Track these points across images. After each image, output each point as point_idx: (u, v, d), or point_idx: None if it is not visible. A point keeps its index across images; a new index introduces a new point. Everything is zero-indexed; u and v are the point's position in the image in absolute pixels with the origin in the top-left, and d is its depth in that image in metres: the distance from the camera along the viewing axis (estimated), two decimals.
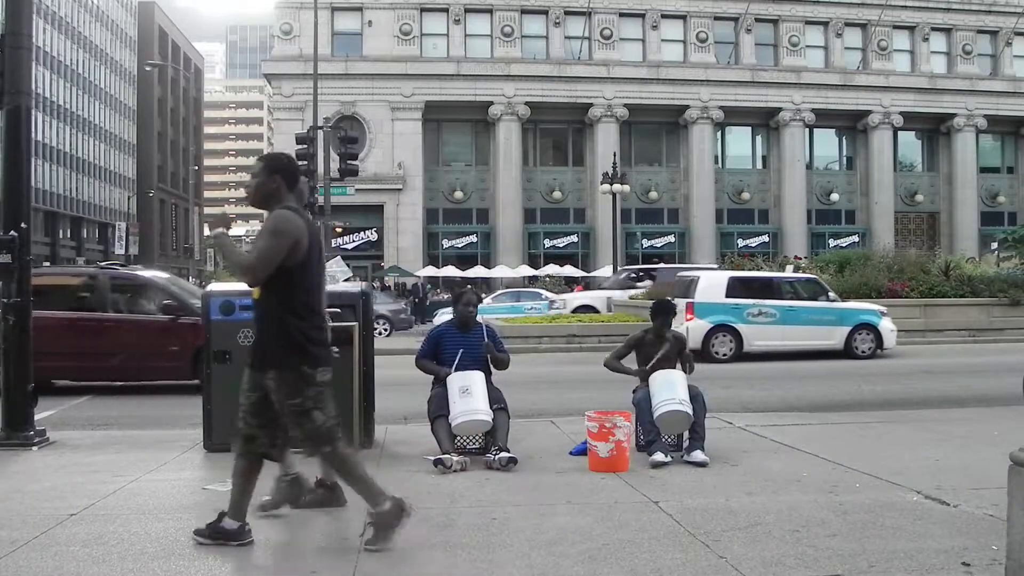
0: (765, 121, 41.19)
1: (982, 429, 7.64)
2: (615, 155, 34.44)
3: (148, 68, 65.13)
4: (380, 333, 20.51)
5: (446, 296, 31.84)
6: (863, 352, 16.01)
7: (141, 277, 12.57)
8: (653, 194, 40.69)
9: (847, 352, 15.99)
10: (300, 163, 21.79)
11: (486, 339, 6.68)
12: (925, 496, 5.25)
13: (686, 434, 6.52)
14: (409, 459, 6.52)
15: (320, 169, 22.21)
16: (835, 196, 41.97)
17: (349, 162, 22.74)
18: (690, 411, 6.32)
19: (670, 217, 41.25)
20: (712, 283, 16.46)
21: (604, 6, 39.65)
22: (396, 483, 5.74)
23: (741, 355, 15.75)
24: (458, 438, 6.44)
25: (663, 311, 6.96)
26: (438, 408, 6.40)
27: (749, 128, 42.14)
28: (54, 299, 10.98)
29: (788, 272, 18.71)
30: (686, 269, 22.11)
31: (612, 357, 7.09)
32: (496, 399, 6.44)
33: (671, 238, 40.71)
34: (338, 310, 6.90)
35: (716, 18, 40.47)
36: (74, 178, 64.27)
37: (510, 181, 38.48)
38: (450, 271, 36.52)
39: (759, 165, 42.38)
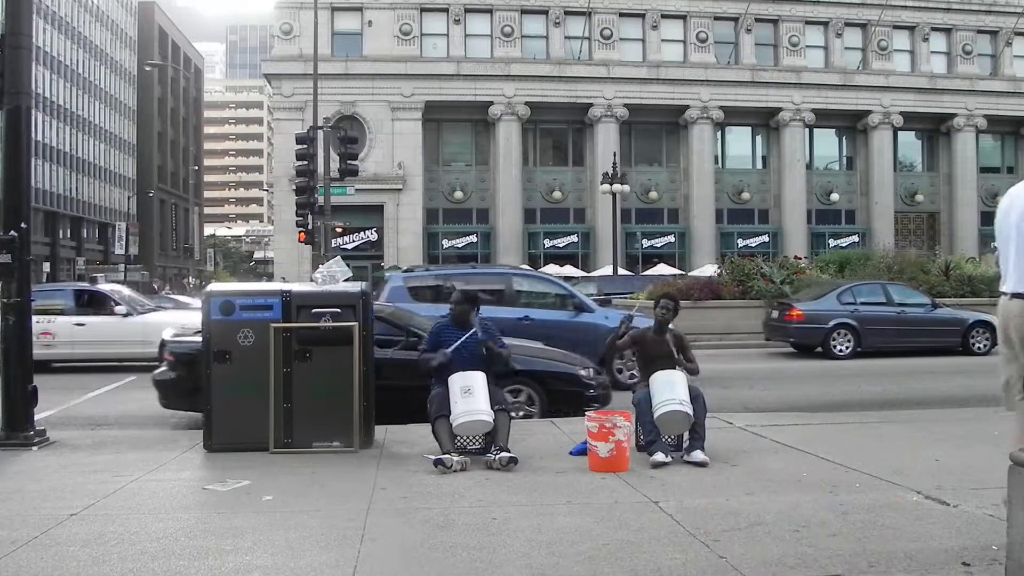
0: (765, 121, 41.16)
1: (982, 429, 7.62)
2: (615, 155, 34.40)
3: (148, 68, 65.12)
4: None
5: None
6: None
7: None
8: (653, 194, 40.66)
9: None
10: (301, 163, 21.98)
11: (486, 336, 6.71)
12: (925, 496, 5.25)
13: (686, 434, 6.52)
14: (409, 459, 6.52)
15: (320, 169, 22.19)
16: (835, 196, 41.92)
17: (349, 162, 22.73)
18: (690, 411, 6.32)
19: (670, 217, 41.22)
20: None
21: (604, 6, 39.61)
22: (396, 483, 5.75)
23: None
24: (459, 438, 6.44)
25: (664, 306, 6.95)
26: (439, 408, 6.40)
27: (749, 128, 42.08)
28: None
29: None
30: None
31: (611, 339, 7.22)
32: (497, 400, 6.45)
33: (671, 238, 40.68)
34: (338, 310, 6.92)
35: (716, 18, 40.41)
36: (74, 178, 64.24)
37: (510, 181, 38.46)
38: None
39: (759, 165, 42.33)
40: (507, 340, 8.77)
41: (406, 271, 13.93)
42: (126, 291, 16.73)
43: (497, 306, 11.33)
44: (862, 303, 16.71)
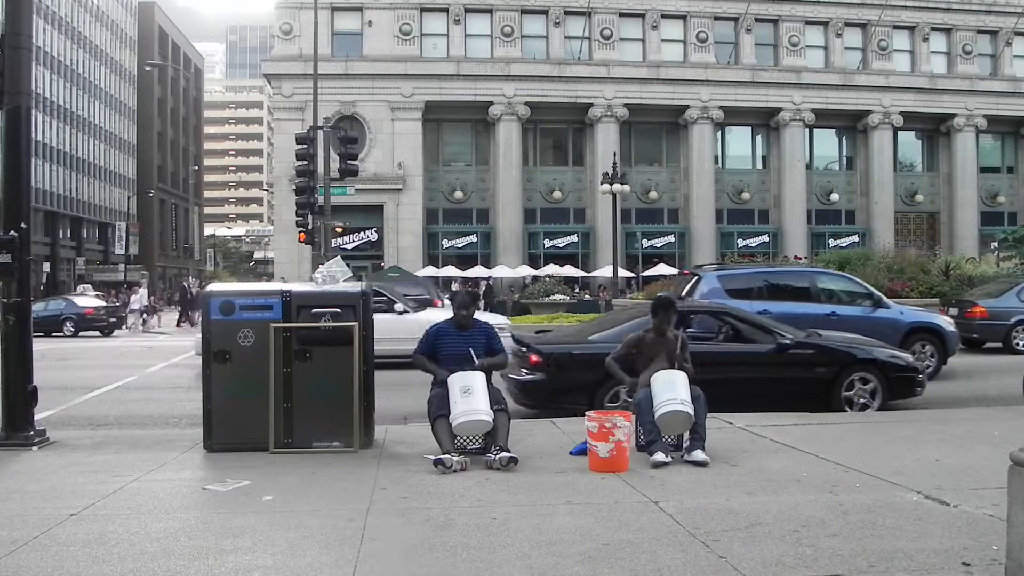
0: (765, 121, 41.15)
1: (982, 429, 7.63)
2: (615, 155, 34.39)
3: (148, 68, 65.07)
4: None
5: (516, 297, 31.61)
6: None
7: None
8: (653, 194, 40.65)
9: None
10: (301, 163, 21.97)
11: (484, 338, 6.72)
12: (925, 496, 5.24)
13: (686, 434, 6.51)
14: (409, 459, 6.52)
15: (320, 169, 22.18)
16: (835, 196, 41.91)
17: (349, 162, 22.72)
18: (691, 411, 6.30)
19: (670, 217, 41.22)
20: None
21: (604, 6, 39.60)
22: (396, 483, 5.75)
23: None
24: (458, 438, 6.43)
25: (665, 308, 6.89)
26: (439, 408, 6.39)
27: (749, 128, 42.07)
28: None
29: None
30: None
31: (611, 358, 7.04)
32: (497, 399, 6.44)
33: (671, 238, 40.67)
34: (338, 310, 6.91)
35: (716, 18, 40.41)
36: (74, 178, 64.20)
37: (510, 181, 38.45)
38: (450, 271, 36.49)
39: (759, 165, 42.32)
40: (824, 333, 9.75)
41: (715, 270, 14.00)
42: (398, 290, 16.90)
43: (804, 302, 11.99)
44: None
